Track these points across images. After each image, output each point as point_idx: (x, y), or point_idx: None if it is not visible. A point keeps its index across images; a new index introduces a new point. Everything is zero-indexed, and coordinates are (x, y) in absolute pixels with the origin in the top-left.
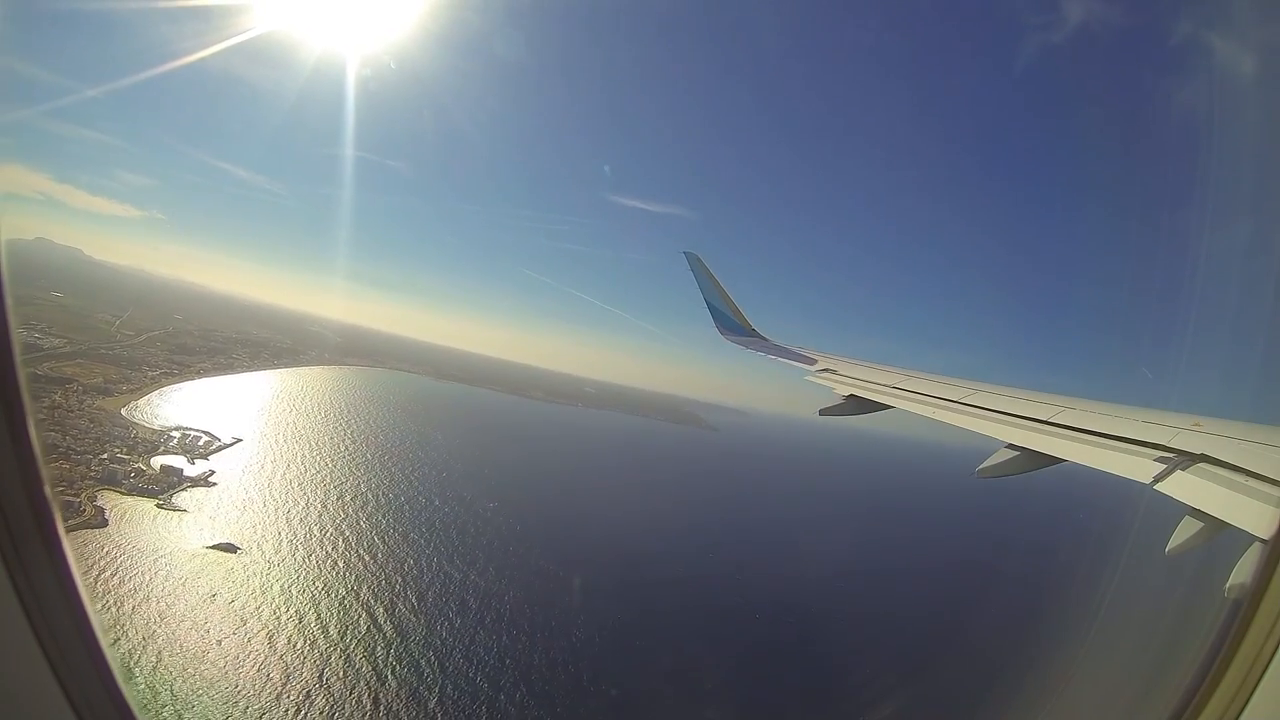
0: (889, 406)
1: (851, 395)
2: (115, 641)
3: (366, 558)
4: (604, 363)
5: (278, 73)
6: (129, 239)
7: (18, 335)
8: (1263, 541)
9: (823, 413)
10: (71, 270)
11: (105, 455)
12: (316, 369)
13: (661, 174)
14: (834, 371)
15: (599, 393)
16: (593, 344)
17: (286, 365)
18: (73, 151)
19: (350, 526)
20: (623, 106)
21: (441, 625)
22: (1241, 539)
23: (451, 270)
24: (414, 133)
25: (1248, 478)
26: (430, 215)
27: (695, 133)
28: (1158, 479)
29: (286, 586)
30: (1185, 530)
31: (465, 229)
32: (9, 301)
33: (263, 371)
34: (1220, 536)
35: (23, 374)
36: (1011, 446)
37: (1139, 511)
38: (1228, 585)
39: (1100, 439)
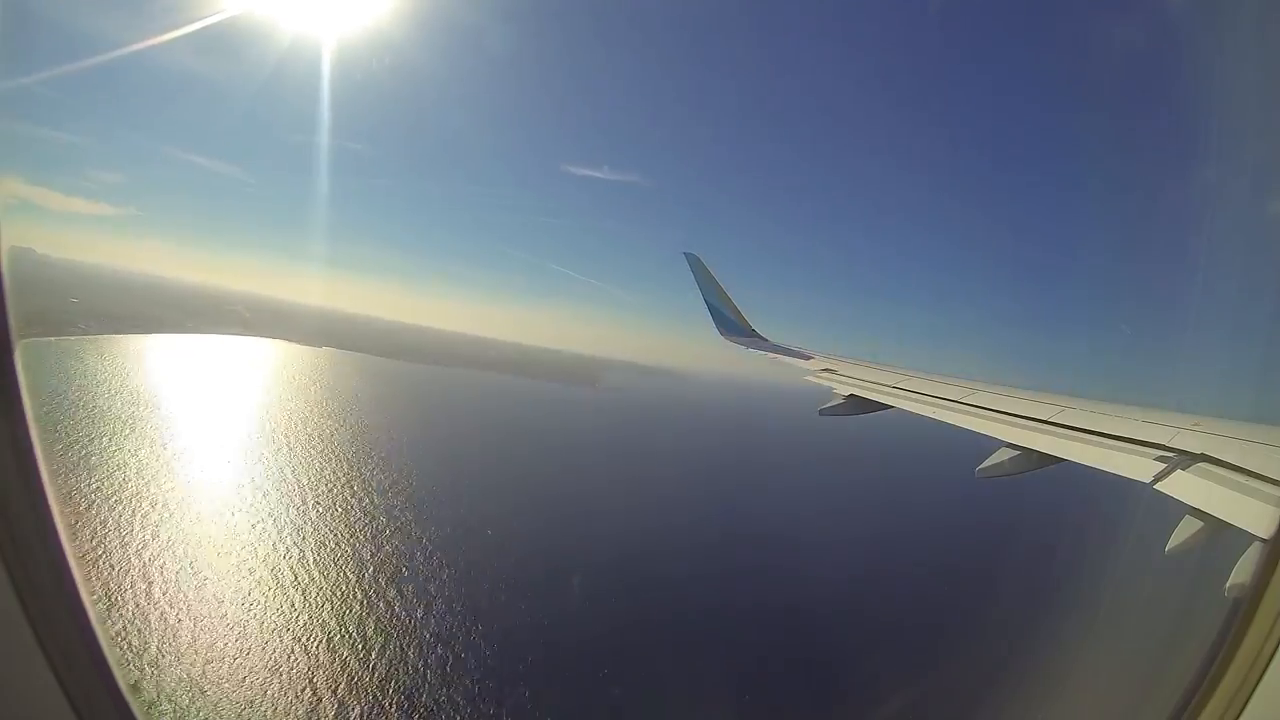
0: (889, 406)
1: (852, 395)
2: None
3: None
4: (545, 327)
5: (241, 60)
6: (108, 237)
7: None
8: (1263, 541)
9: (822, 412)
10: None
11: None
12: (185, 337)
13: (622, 144)
14: (834, 371)
15: (498, 356)
16: (541, 309)
17: (144, 333)
18: (40, 152)
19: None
20: (587, 84)
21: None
22: (1241, 539)
23: (406, 245)
24: (374, 115)
25: (1248, 478)
26: (385, 195)
27: (657, 104)
28: (1158, 478)
29: None
30: (1185, 530)
31: (420, 206)
32: (9, 302)
33: (107, 336)
34: (1220, 536)
35: (23, 374)
36: (1011, 446)
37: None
38: (1228, 585)
39: (1100, 439)
